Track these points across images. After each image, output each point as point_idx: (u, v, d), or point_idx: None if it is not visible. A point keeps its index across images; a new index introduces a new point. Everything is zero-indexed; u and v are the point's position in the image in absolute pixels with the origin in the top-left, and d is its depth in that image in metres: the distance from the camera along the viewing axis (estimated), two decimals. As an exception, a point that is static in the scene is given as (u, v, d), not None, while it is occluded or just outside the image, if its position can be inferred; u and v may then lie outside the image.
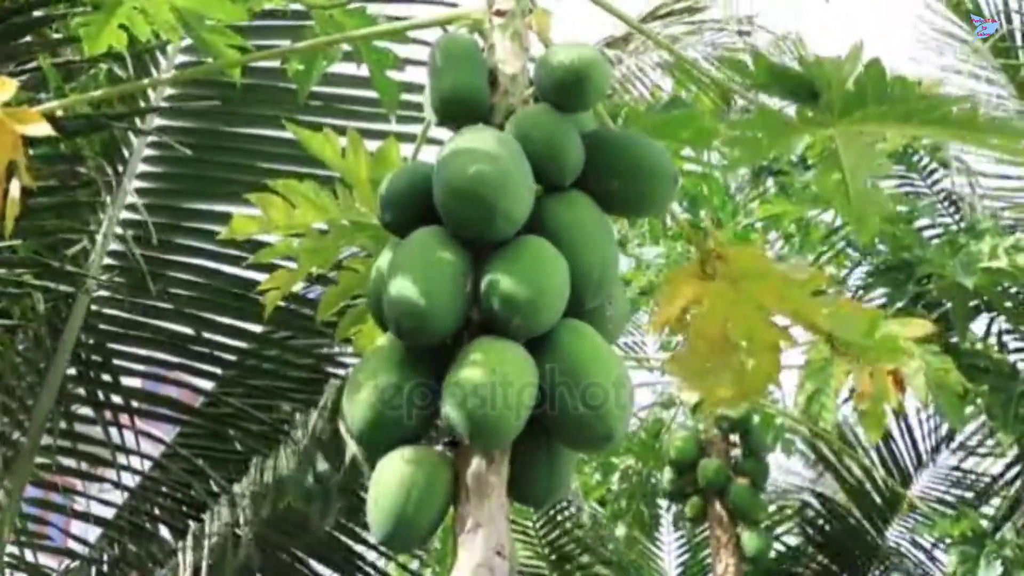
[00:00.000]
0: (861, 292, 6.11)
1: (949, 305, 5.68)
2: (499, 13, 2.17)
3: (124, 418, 4.66)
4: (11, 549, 4.49)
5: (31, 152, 2.08)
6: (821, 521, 7.79)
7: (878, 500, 7.50)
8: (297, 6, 2.38)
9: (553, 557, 8.02)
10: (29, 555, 4.62)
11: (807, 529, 7.91)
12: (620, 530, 7.78)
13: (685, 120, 2.30)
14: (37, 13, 3.53)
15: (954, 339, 5.75)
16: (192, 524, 4.50)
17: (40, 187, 3.82)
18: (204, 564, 4.06)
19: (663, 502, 8.02)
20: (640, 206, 2.17)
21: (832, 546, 7.66)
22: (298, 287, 4.45)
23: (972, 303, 5.89)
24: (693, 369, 2.14)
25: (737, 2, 6.38)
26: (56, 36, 3.79)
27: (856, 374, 2.35)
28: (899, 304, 5.84)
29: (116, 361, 4.66)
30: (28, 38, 3.63)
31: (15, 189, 2.02)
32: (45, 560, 4.82)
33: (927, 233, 6.34)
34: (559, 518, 7.92)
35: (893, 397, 2.54)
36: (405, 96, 2.58)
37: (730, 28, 6.14)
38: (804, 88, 2.03)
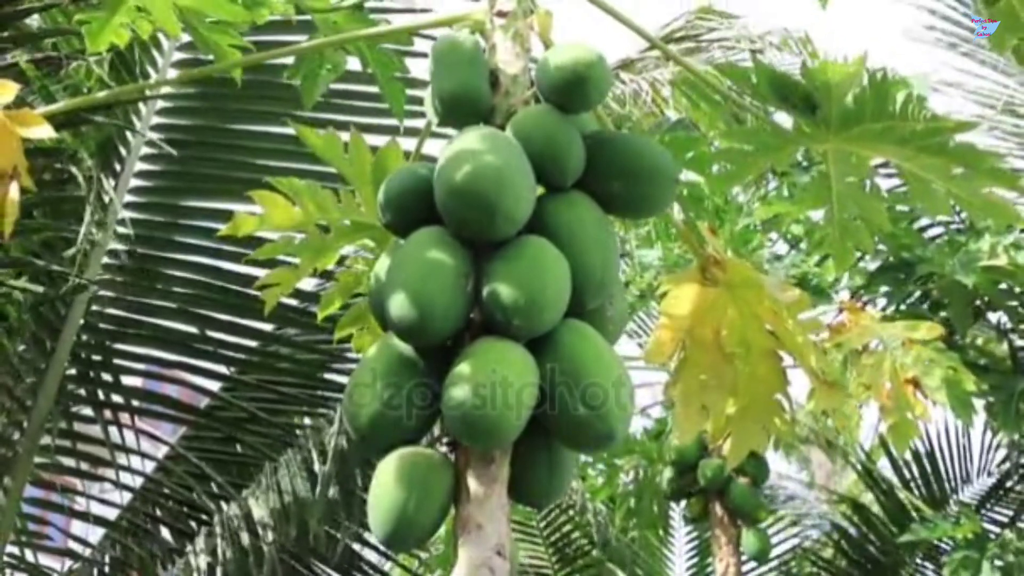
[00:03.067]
0: (862, 291, 6.10)
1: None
2: (501, 14, 2.17)
3: (126, 418, 4.66)
4: (11, 549, 4.49)
5: (28, 149, 2.08)
6: (852, 529, 7.65)
7: (913, 513, 7.31)
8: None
9: (557, 557, 8.03)
10: (30, 555, 4.61)
11: (838, 538, 7.80)
12: (633, 532, 7.77)
13: (688, 143, 2.31)
14: (18, 7, 3.51)
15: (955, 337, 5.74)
16: (195, 526, 4.51)
17: (36, 184, 3.82)
18: (205, 566, 4.06)
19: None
20: (641, 207, 2.16)
21: (861, 556, 7.53)
22: (306, 284, 4.48)
23: (975, 302, 5.88)
24: (690, 385, 2.12)
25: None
26: (36, 29, 3.77)
27: (875, 387, 2.34)
28: (905, 303, 5.84)
29: (116, 360, 4.66)
30: (8, 32, 3.61)
31: (14, 191, 2.02)
32: (46, 560, 4.82)
33: (931, 231, 6.32)
34: (564, 517, 7.92)
35: (920, 408, 2.53)
36: (407, 91, 2.58)
37: (741, 47, 6.15)
38: (803, 99, 2.03)
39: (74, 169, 3.96)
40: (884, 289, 5.86)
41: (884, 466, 7.75)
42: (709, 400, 2.12)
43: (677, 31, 6.43)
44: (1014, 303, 5.94)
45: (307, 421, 4.86)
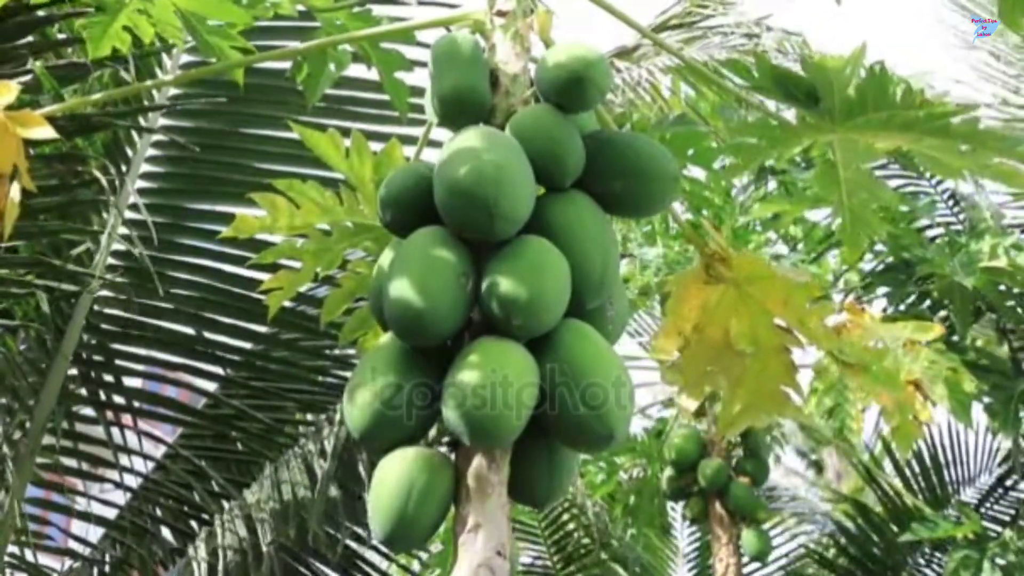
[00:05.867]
0: (862, 291, 6.10)
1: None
2: (500, 14, 2.18)
3: (127, 419, 4.67)
4: (12, 549, 4.49)
5: (33, 152, 2.08)
6: (852, 527, 7.62)
7: (913, 511, 7.27)
8: (303, 7, 2.39)
9: (560, 556, 8.03)
10: (30, 555, 4.62)
11: (838, 536, 7.79)
12: (631, 529, 7.77)
13: (691, 138, 2.31)
14: (40, 13, 3.51)
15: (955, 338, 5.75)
16: (195, 526, 4.51)
17: (43, 187, 3.83)
18: (206, 565, 4.06)
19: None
20: (641, 206, 2.16)
21: (862, 555, 7.51)
22: (304, 287, 4.49)
23: (976, 303, 5.89)
24: (693, 375, 2.12)
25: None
26: (60, 36, 3.79)
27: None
28: (904, 303, 5.84)
29: (118, 361, 4.67)
30: (31, 38, 3.62)
31: (15, 192, 2.02)
32: (46, 560, 4.82)
33: (930, 232, 6.32)
34: (566, 516, 7.92)
35: (924, 410, 2.54)
36: (408, 99, 2.59)
37: (738, 32, 6.15)
38: (805, 92, 2.03)
39: (81, 170, 3.97)
40: (884, 289, 5.87)
41: (886, 465, 7.75)
42: (715, 385, 2.13)
43: (673, 18, 6.42)
44: (1013, 304, 5.94)
45: (309, 417, 4.87)
